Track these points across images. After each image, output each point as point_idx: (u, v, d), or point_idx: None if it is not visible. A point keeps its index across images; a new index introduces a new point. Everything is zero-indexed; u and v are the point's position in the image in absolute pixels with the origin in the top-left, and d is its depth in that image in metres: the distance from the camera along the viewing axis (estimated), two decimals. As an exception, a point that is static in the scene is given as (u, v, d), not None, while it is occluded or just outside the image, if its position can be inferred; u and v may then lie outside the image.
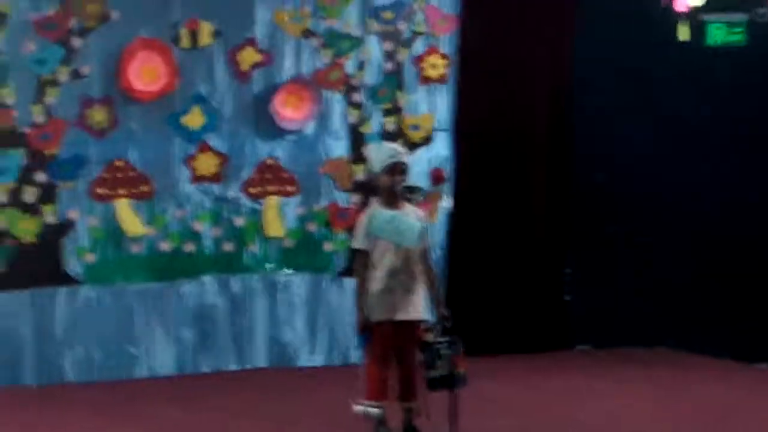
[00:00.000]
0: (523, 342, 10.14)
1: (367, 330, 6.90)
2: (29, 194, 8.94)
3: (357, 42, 9.80)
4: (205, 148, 9.41)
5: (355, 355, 9.07)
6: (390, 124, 9.92)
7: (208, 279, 9.48)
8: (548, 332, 10.37)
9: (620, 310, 10.52)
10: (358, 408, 6.88)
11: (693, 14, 10.12)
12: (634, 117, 10.57)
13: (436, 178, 10.00)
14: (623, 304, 10.53)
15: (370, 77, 9.87)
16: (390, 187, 7.00)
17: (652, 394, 8.64)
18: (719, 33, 10.36)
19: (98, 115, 9.10)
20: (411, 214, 7.06)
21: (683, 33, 10.03)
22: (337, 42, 9.74)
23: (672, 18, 10.06)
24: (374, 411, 6.86)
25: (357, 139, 9.81)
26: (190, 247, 9.41)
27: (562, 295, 10.51)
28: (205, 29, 9.33)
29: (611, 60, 10.49)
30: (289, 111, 9.59)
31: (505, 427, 7.42)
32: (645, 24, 10.31)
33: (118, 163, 9.17)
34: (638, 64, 10.53)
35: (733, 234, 10.75)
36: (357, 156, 9.76)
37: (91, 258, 9.12)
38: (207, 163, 9.44)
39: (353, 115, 9.83)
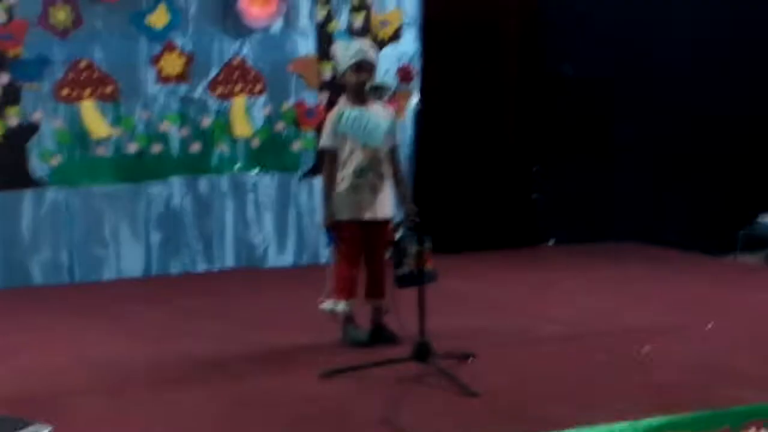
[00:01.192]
0: (492, 239, 10.15)
1: (335, 229, 6.89)
2: (-8, 96, 8.85)
3: (324, -63, 9.66)
4: (170, 47, 9.29)
5: (324, 255, 9.10)
6: (358, 20, 9.81)
7: (175, 180, 9.43)
8: (516, 229, 10.39)
9: (588, 205, 10.54)
10: (324, 306, 6.88)
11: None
12: (606, 13, 10.50)
13: (405, 75, 9.92)
14: (591, 200, 10.55)
15: (337, -27, 9.76)
16: (357, 85, 6.91)
17: (623, 288, 8.69)
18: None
19: (61, 15, 8.96)
20: (379, 112, 6.98)
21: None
22: (303, -63, 9.61)
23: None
24: (341, 308, 6.86)
25: (325, 37, 9.71)
26: (157, 149, 9.33)
27: (530, 192, 10.51)
28: (169, -75, 9.20)
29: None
30: (255, 8, 9.46)
31: (475, 325, 7.45)
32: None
33: (82, 64, 9.05)
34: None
35: (701, 130, 10.78)
36: (325, 54, 9.68)
37: (56, 160, 9.04)
38: (173, 63, 9.32)
39: (320, 13, 9.71)
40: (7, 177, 8.91)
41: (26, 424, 4.76)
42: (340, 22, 9.75)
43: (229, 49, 9.49)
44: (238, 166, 9.58)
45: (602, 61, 10.50)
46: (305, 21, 9.68)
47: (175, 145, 9.39)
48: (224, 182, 9.55)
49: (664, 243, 10.54)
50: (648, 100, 10.63)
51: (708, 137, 10.77)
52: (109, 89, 9.14)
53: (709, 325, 7.30)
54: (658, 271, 9.36)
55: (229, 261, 9.61)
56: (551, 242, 10.60)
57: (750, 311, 7.87)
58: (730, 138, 10.86)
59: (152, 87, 9.28)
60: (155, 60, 9.26)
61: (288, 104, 9.67)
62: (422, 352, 6.29)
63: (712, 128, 10.76)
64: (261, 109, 9.61)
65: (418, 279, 6.46)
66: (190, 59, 9.35)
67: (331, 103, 9.15)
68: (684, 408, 5.54)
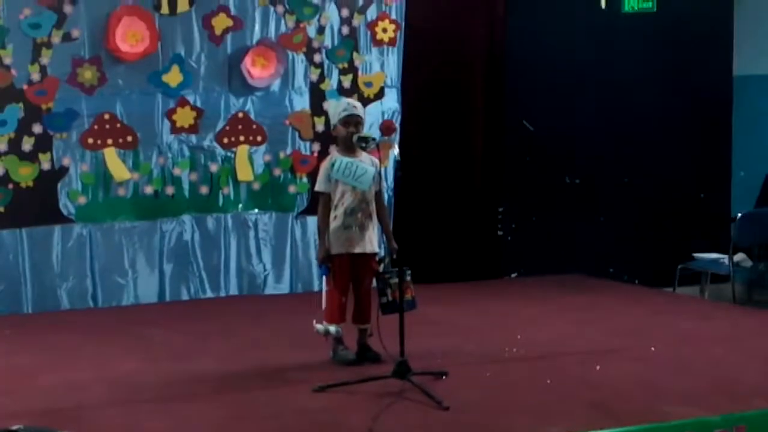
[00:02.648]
0: (463, 271, 10.11)
1: (328, 261, 6.85)
2: (27, 144, 8.79)
3: (317, 9, 9.64)
4: (183, 102, 9.26)
5: (317, 284, 9.04)
6: (346, 81, 9.80)
7: (186, 218, 9.38)
8: (484, 263, 10.35)
9: (546, 241, 10.53)
10: (318, 327, 6.83)
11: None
12: (561, 78, 10.54)
13: (387, 129, 9.91)
14: (548, 237, 10.53)
15: (329, 40, 9.74)
16: (346, 137, 6.90)
17: (576, 315, 8.63)
18: (634, 0, 10.54)
19: (88, 74, 8.92)
20: (366, 160, 6.96)
21: (604, 1, 10.21)
22: (300, 8, 9.58)
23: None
24: (333, 329, 6.81)
25: (317, 95, 9.70)
26: (170, 191, 9.29)
27: (496, 230, 10.48)
28: (183, -3, 9.19)
29: (540, 27, 10.47)
30: (257, 70, 9.45)
31: (449, 346, 7.39)
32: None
33: (106, 116, 9.01)
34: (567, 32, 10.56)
35: (645, 179, 10.82)
36: (317, 109, 9.66)
37: (82, 200, 9.00)
38: (185, 116, 9.29)
39: (314, 74, 9.70)
40: (40, 214, 8.86)
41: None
42: (331, 82, 9.74)
43: (234, 104, 9.45)
44: (241, 206, 9.54)
45: (559, 115, 10.53)
46: (301, 81, 9.66)
47: (186, 188, 9.35)
48: (229, 220, 9.49)
49: (613, 276, 10.54)
50: (598, 148, 10.67)
51: (652, 184, 10.81)
52: (129, 138, 9.10)
53: (653, 348, 7.26)
54: (605, 301, 9.31)
55: (233, 288, 9.54)
56: (514, 275, 10.55)
57: (684, 336, 7.82)
58: (672, 185, 10.89)
59: (167, 137, 9.24)
60: (170, 113, 9.22)
61: (285, 153, 9.63)
62: (402, 371, 6.24)
63: (662, 175, 10.81)
64: (261, 157, 9.57)
65: (399, 307, 6.42)
66: (200, 113, 9.32)
67: (322, 153, 9.19)
68: (633, 420, 5.49)
